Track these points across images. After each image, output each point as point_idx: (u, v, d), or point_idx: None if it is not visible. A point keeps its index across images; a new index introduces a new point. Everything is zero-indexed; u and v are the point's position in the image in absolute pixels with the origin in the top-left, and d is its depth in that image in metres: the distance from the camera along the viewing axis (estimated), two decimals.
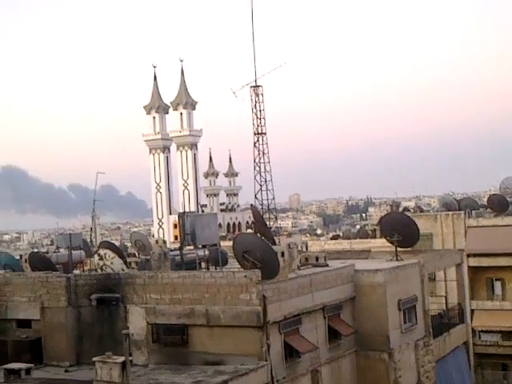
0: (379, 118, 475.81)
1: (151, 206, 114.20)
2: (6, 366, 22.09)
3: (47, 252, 36.43)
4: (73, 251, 32.03)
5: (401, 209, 71.57)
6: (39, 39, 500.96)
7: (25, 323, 26.47)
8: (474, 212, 53.02)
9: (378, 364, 26.73)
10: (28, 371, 21.85)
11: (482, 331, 47.43)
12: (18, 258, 35.08)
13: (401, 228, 32.83)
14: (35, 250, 43.08)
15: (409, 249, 33.14)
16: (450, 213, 51.45)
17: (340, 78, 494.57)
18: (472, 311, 44.68)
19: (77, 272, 29.19)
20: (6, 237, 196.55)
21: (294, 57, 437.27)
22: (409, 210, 66.36)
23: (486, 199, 59.08)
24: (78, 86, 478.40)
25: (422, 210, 69.87)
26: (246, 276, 22.76)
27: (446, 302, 36.29)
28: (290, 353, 23.31)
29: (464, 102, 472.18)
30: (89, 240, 41.16)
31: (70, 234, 34.44)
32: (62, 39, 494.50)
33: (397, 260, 31.19)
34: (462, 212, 51.34)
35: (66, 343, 25.17)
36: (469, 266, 41.78)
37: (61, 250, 34.30)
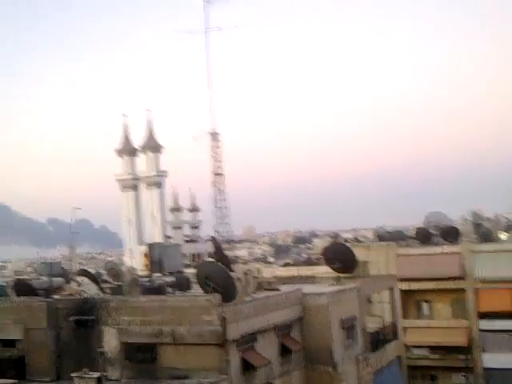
0: (320, 159, 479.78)
1: (123, 237, 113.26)
2: None
3: (30, 279, 35.87)
4: (53, 278, 31.63)
5: (341, 240, 72.28)
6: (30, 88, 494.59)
7: (9, 343, 25.86)
8: (403, 242, 53.85)
9: (324, 376, 26.71)
10: None
11: (413, 346, 47.76)
12: (3, 284, 34.47)
13: (341, 256, 33.28)
14: (19, 277, 42.26)
15: (348, 274, 33.47)
16: (383, 243, 52.14)
17: (287, 121, 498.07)
18: (404, 329, 44.98)
19: (57, 297, 28.73)
20: None
21: (252, 103, 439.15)
22: (347, 241, 67.10)
23: (413, 231, 59.90)
24: (56, 130, 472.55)
25: (358, 241, 70.72)
26: (207, 299, 22.73)
27: (382, 321, 36.55)
28: (247, 367, 23.19)
29: (396, 143, 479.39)
30: (67, 268, 40.72)
31: (50, 262, 34.08)
32: (49, 85, 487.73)
33: (338, 284, 31.48)
34: (393, 242, 52.06)
35: (46, 361, 24.70)
36: (400, 290, 42.18)
37: (42, 277, 33.86)
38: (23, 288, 30.38)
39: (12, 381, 21.85)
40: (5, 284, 34.22)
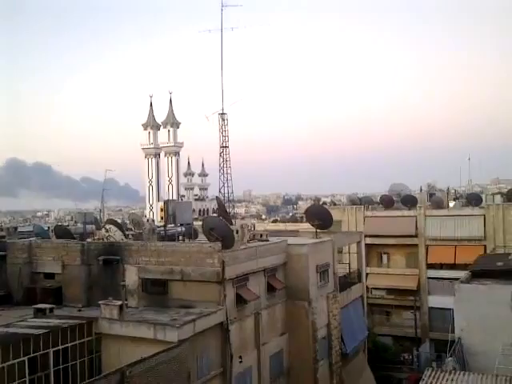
0: (305, 138, 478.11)
1: (143, 194, 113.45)
2: (35, 306, 21.74)
3: (68, 225, 35.84)
4: (86, 225, 31.52)
5: (320, 202, 72.21)
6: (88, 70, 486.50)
7: (50, 275, 26.01)
8: (370, 206, 53.86)
9: (301, 309, 26.90)
10: (51, 310, 21.51)
11: (373, 288, 48.19)
12: (46, 229, 34.41)
13: (320, 216, 33.11)
14: (59, 224, 42.20)
15: (325, 230, 33.44)
16: (354, 206, 52.07)
17: (281, 105, 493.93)
18: (367, 274, 45.29)
19: (89, 240, 28.75)
20: (39, 213, 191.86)
21: (254, 91, 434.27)
22: (326, 204, 67.01)
23: (379, 198, 59.86)
24: (94, 105, 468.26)
25: (334, 204, 70.57)
26: (210, 246, 22.72)
27: (349, 268, 36.75)
28: (240, 300, 23.35)
29: (372, 123, 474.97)
30: (98, 218, 40.59)
31: (84, 213, 33.88)
32: (99, 74, 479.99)
33: (316, 238, 31.49)
34: (362, 206, 52.06)
35: (79, 290, 24.83)
36: (366, 243, 42.27)
37: (78, 224, 33.76)
38: (62, 232, 30.36)
39: (51, 305, 21.89)
40: (47, 229, 34.21)
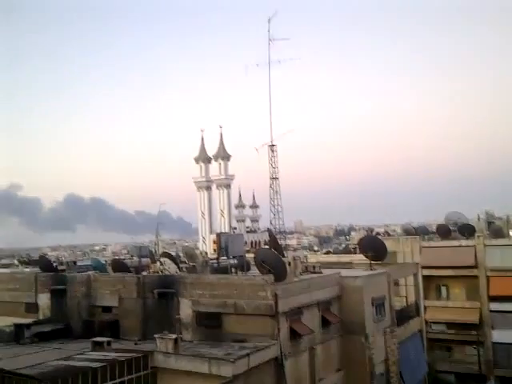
0: (358, 164, 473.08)
1: (196, 226, 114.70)
2: (93, 339, 22.12)
3: (124, 259, 36.65)
4: (142, 259, 32.14)
5: (374, 233, 70.90)
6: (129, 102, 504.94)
7: (107, 309, 26.55)
8: (426, 236, 52.44)
9: (357, 344, 26.22)
10: (109, 343, 21.79)
11: (433, 322, 46.50)
12: (104, 262, 35.30)
13: (374, 247, 32.50)
14: (116, 257, 43.25)
15: (379, 262, 32.75)
16: (409, 237, 50.83)
17: (328, 137, 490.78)
18: (425, 307, 43.80)
19: (144, 273, 29.23)
20: (96, 247, 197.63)
21: (304, 120, 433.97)
22: (379, 234, 65.74)
23: (435, 227, 58.18)
24: (148, 141, 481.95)
25: (389, 234, 69.15)
26: (263, 279, 22.65)
27: (406, 301, 35.62)
28: (294, 335, 22.98)
29: (423, 150, 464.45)
30: (153, 251, 41.35)
31: (140, 246, 34.59)
32: (148, 109, 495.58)
33: (371, 270, 30.86)
34: (418, 236, 50.76)
35: (135, 324, 25.17)
36: (423, 275, 41.02)
37: (133, 257, 34.45)
38: (119, 266, 31.05)
39: (108, 339, 22.23)
40: (105, 262, 35.10)
